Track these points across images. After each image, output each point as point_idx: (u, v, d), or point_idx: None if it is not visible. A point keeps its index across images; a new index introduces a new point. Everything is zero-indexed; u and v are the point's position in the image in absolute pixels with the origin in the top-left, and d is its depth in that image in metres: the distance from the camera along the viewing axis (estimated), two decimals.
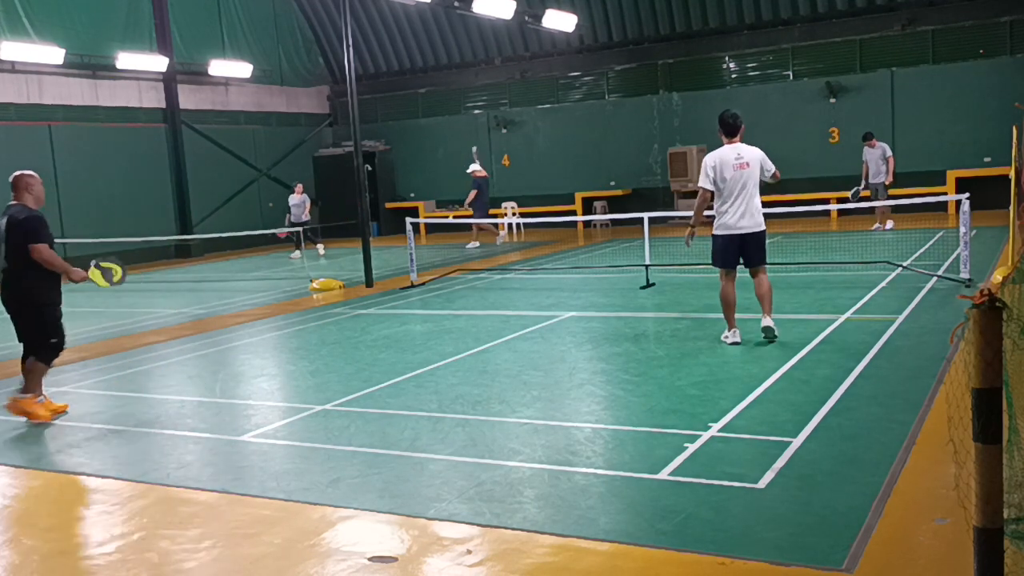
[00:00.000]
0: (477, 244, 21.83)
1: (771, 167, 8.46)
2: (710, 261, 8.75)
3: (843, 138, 22.35)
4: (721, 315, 8.66)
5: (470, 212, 21.91)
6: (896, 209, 19.70)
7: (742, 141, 8.47)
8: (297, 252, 21.36)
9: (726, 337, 8.59)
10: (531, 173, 26.48)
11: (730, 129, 8.40)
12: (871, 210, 18.91)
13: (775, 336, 8.38)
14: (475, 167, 21.61)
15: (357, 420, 6.74)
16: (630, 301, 11.72)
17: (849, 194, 18.37)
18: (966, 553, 3.18)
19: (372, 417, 6.79)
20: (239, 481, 5.55)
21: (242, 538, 4.65)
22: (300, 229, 20.47)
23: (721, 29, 23.81)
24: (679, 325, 9.70)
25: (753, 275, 8.56)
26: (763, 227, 8.46)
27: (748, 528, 4.32)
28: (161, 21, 24.12)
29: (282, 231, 21.25)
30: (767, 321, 8.45)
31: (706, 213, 8.73)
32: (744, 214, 8.30)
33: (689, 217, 9.18)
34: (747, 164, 8.27)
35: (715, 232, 8.50)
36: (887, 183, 18.16)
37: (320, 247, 22.58)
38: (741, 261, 8.54)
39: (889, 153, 18.22)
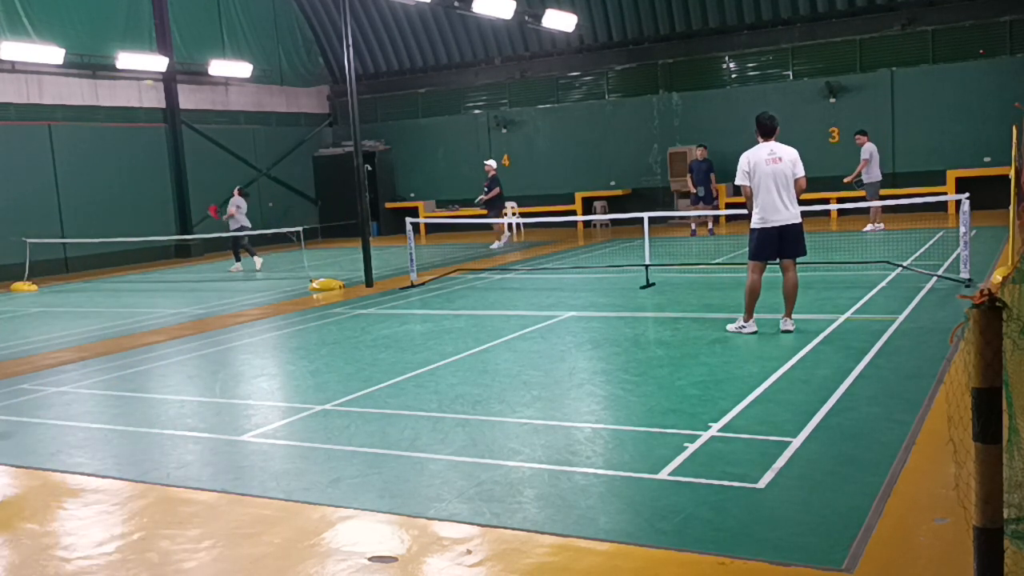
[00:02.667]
0: (501, 243, 21.43)
1: (801, 171, 8.68)
2: (747, 255, 8.98)
3: (843, 138, 22.33)
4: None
5: (486, 211, 21.86)
6: (896, 209, 19.76)
7: (777, 141, 8.78)
8: (258, 259, 19.72)
9: (741, 328, 8.84)
10: (531, 173, 26.44)
11: (766, 129, 8.76)
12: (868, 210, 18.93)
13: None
14: (492, 163, 22.00)
15: (357, 420, 6.74)
16: (630, 301, 11.72)
17: (851, 179, 18.56)
18: (966, 553, 3.17)
19: (372, 417, 6.79)
20: (239, 481, 5.55)
21: (242, 538, 4.65)
22: (242, 235, 19.46)
23: (721, 29, 23.79)
24: (679, 325, 9.70)
25: (784, 269, 8.82)
26: (799, 219, 8.72)
27: (748, 528, 4.31)
28: (161, 21, 24.10)
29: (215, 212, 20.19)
30: (788, 324, 8.78)
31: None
32: (778, 207, 8.58)
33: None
34: (779, 159, 8.58)
35: (752, 226, 8.75)
36: (848, 181, 18.61)
37: (258, 259, 19.68)
38: (777, 259, 8.82)
39: (865, 155, 18.33)
